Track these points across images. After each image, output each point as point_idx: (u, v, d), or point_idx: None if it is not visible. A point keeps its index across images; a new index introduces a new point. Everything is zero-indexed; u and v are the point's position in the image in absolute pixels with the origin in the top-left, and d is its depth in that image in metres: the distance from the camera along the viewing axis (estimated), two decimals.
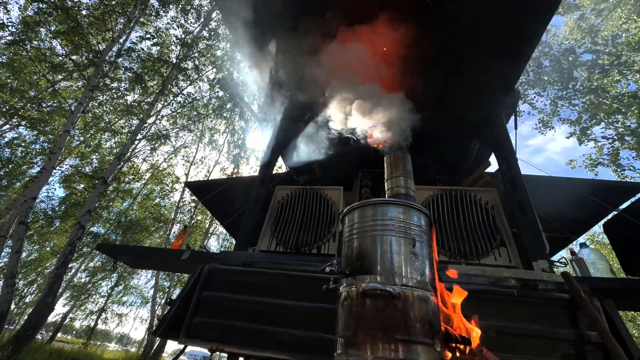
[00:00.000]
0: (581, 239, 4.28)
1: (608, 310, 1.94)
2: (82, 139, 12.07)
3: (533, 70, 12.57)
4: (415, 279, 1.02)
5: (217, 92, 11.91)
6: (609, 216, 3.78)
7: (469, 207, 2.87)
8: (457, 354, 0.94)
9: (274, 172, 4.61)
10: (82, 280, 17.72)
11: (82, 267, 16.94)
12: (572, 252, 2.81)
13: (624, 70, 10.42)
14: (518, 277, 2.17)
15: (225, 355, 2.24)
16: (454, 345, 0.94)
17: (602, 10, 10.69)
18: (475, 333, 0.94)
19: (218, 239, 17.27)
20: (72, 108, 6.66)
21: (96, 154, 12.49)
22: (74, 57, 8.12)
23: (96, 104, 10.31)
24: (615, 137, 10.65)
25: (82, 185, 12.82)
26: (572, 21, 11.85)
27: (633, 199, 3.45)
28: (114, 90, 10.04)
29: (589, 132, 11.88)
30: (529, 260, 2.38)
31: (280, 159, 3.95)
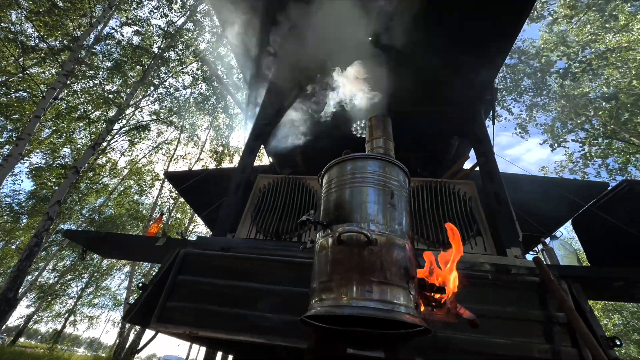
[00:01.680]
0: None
1: (575, 292, 2.02)
2: (54, 128, 11.46)
3: (510, 77, 13.14)
4: (391, 227, 1.01)
5: (200, 85, 11.66)
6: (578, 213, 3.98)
7: (448, 198, 2.94)
8: (432, 303, 0.94)
9: (257, 164, 4.55)
10: (50, 281, 16.76)
11: (50, 267, 16.05)
12: (543, 243, 2.93)
13: (592, 79, 11.10)
14: (492, 262, 2.23)
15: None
16: (428, 294, 0.95)
17: (572, 17, 11.36)
18: (452, 286, 0.94)
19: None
20: (44, 94, 6.32)
21: (69, 145, 11.88)
22: (48, 41, 7.71)
23: (71, 92, 9.83)
24: (584, 140, 11.28)
25: (53, 180, 12.17)
26: (546, 34, 12.52)
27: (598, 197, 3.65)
28: (90, 79, 9.60)
29: (560, 139, 12.56)
30: (503, 247, 2.45)
31: (265, 155, 3.91)
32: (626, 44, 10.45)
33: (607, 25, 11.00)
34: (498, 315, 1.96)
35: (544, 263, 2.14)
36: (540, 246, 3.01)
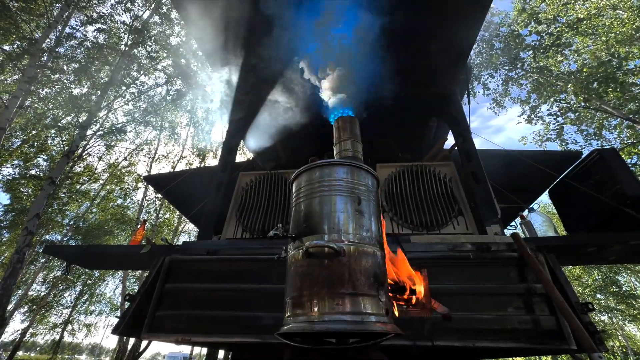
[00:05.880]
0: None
1: (551, 263, 2.12)
2: (24, 137, 10.93)
3: (485, 52, 13.22)
4: (360, 235, 1.03)
5: (175, 81, 11.25)
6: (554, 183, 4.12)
7: (429, 181, 2.99)
8: (404, 305, 0.98)
9: (238, 160, 4.48)
10: (42, 294, 16.40)
11: (40, 279, 15.69)
12: (522, 217, 3.03)
13: (564, 50, 11.29)
14: (473, 241, 2.30)
15: (204, 355, 2.19)
16: (399, 296, 0.98)
17: None
18: (422, 285, 0.97)
19: (189, 237, 16.74)
20: (7, 103, 5.96)
21: (42, 154, 11.38)
22: (2, 47, 7.21)
23: (37, 99, 9.33)
24: (559, 113, 11.58)
25: (30, 190, 11.75)
26: (519, 5, 12.55)
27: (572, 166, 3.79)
28: (56, 83, 9.09)
29: (537, 110, 12.84)
30: (483, 225, 2.53)
31: (247, 151, 3.84)
32: (595, 11, 10.60)
33: None
34: (481, 292, 2.05)
35: (521, 237, 2.22)
36: (518, 219, 3.11)
